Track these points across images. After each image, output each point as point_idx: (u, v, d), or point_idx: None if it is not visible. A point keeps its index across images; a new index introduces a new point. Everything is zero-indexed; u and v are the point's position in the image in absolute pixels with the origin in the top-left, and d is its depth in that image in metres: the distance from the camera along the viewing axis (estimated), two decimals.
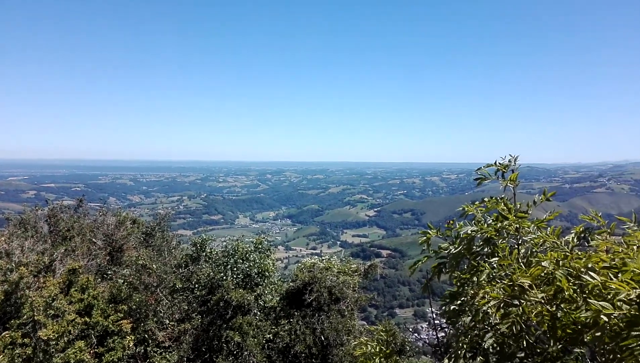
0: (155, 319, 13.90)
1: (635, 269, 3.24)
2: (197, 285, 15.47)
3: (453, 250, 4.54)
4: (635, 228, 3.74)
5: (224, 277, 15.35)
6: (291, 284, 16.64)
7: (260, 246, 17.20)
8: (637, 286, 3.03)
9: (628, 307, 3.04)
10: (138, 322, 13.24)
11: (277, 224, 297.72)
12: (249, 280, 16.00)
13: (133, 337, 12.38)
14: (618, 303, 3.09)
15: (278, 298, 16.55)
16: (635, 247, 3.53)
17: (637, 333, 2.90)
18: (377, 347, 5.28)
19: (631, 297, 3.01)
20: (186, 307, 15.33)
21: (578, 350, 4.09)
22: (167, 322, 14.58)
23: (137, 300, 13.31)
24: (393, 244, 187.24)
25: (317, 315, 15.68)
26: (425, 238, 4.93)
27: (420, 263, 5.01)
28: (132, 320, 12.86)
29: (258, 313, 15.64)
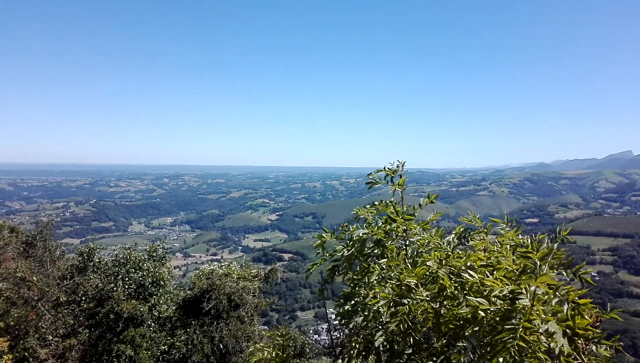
0: (36, 335, 12.80)
1: (507, 267, 3.52)
2: (84, 297, 14.47)
3: (346, 252, 4.66)
4: (508, 228, 4.08)
5: (115, 288, 14.51)
6: (188, 292, 16.11)
7: (154, 254, 16.49)
8: (509, 283, 3.29)
9: (502, 302, 3.29)
10: (17, 339, 12.11)
11: (175, 230, 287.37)
12: (143, 290, 15.27)
13: (11, 356, 11.28)
14: (493, 299, 3.33)
15: (174, 308, 15.95)
16: (508, 246, 3.84)
17: (510, 326, 3.14)
18: (273, 352, 5.26)
19: (504, 293, 3.27)
20: (72, 321, 14.27)
21: (461, 344, 4.35)
22: (51, 337, 13.48)
23: (16, 315, 12.18)
24: (294, 247, 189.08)
25: (215, 322, 15.31)
26: (319, 242, 5.00)
27: (315, 266, 5.07)
28: (10, 337, 11.72)
29: (152, 324, 14.96)
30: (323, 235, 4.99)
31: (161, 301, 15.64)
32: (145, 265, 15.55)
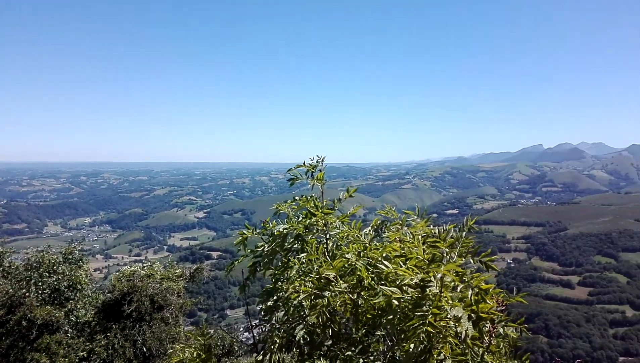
0: None
1: (419, 256, 3.68)
2: None
3: (266, 248, 4.67)
4: (419, 220, 4.26)
5: (27, 294, 13.62)
6: (108, 295, 15.43)
7: (70, 257, 15.62)
8: (419, 272, 3.44)
9: (413, 291, 3.44)
10: None
11: (94, 231, 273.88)
12: (58, 295, 14.44)
13: None
14: (405, 287, 3.47)
15: (93, 312, 15.21)
16: (420, 237, 4.01)
17: (420, 313, 3.29)
18: (195, 353, 5.17)
19: (415, 282, 3.41)
20: None
21: (379, 333, 4.49)
22: None
23: None
24: (223, 245, 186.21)
25: (138, 325, 14.78)
26: (240, 238, 4.97)
27: (236, 263, 5.04)
28: None
29: (69, 330, 14.19)
30: (244, 231, 4.96)
31: (79, 306, 14.88)
32: (60, 268, 14.70)
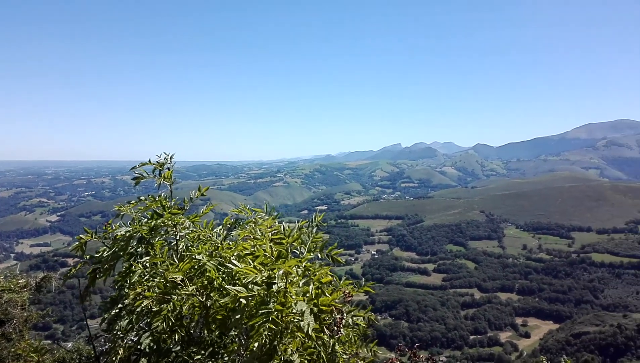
0: None
1: (266, 253, 3.68)
2: None
3: (106, 253, 4.34)
4: (267, 217, 4.27)
5: None
6: None
7: None
8: (264, 269, 3.44)
9: (259, 288, 3.42)
10: None
11: None
12: None
13: None
14: (251, 285, 3.45)
15: None
16: (269, 234, 4.02)
17: (264, 311, 3.28)
18: None
19: (260, 279, 3.40)
20: None
21: (233, 333, 4.41)
22: None
23: None
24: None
25: None
26: (77, 244, 4.56)
27: (73, 270, 4.61)
28: None
29: None
30: (82, 236, 4.56)
31: None
32: None
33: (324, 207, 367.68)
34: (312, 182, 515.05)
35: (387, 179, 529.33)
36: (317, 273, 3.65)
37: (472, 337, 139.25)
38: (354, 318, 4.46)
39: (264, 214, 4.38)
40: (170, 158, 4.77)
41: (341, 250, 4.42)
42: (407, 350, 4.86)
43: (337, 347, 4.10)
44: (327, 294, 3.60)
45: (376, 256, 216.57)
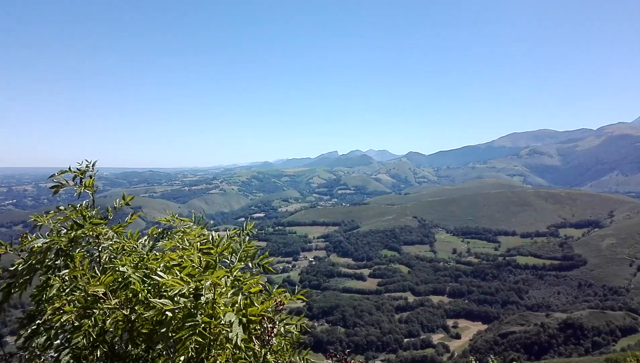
0: None
1: (193, 264, 3.58)
2: None
3: (21, 266, 4.06)
4: (195, 226, 4.16)
5: None
6: None
7: None
8: (192, 281, 3.34)
9: (186, 300, 3.32)
10: None
11: None
12: None
13: None
14: (177, 298, 3.34)
15: None
16: (197, 244, 3.91)
17: (191, 323, 3.19)
18: None
19: (187, 291, 3.31)
20: None
21: (159, 347, 4.25)
22: None
23: None
24: None
25: None
26: None
27: None
28: None
29: None
30: None
31: None
32: None
33: (262, 214, 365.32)
34: (249, 189, 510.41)
35: (325, 186, 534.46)
36: (247, 283, 3.60)
37: (406, 340, 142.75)
38: (287, 327, 4.43)
39: (192, 223, 4.25)
40: (93, 165, 4.54)
41: (272, 259, 4.38)
42: (338, 355, 4.89)
43: (269, 356, 4.05)
44: (256, 304, 3.55)
45: (314, 262, 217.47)
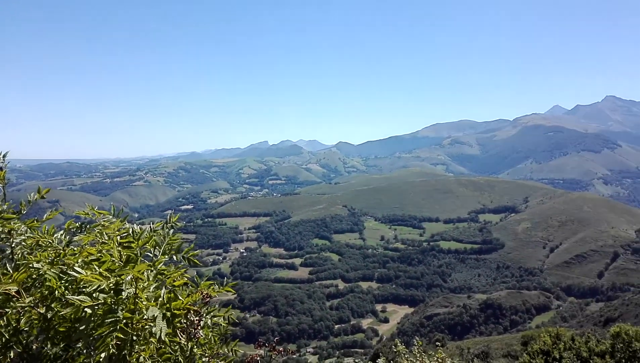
0: None
1: (114, 259, 3.47)
2: None
3: None
4: (114, 219, 4.03)
5: None
6: None
7: None
8: (111, 276, 3.25)
9: (105, 296, 3.22)
10: None
11: None
12: None
13: None
14: (96, 294, 3.23)
15: None
16: (117, 238, 3.79)
17: (111, 319, 3.10)
18: None
19: (106, 287, 3.21)
20: None
21: (79, 345, 4.10)
22: None
23: None
24: None
25: None
26: None
27: None
28: None
29: None
30: None
31: None
32: None
33: (190, 206, 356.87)
34: (176, 180, 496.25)
35: (255, 177, 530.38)
36: (170, 277, 3.55)
37: (337, 326, 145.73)
38: (214, 319, 4.41)
39: (111, 216, 4.10)
40: (4, 157, 4.27)
41: (198, 251, 4.32)
42: (266, 345, 4.94)
43: (195, 349, 4.02)
44: (180, 297, 3.51)
45: (245, 254, 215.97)
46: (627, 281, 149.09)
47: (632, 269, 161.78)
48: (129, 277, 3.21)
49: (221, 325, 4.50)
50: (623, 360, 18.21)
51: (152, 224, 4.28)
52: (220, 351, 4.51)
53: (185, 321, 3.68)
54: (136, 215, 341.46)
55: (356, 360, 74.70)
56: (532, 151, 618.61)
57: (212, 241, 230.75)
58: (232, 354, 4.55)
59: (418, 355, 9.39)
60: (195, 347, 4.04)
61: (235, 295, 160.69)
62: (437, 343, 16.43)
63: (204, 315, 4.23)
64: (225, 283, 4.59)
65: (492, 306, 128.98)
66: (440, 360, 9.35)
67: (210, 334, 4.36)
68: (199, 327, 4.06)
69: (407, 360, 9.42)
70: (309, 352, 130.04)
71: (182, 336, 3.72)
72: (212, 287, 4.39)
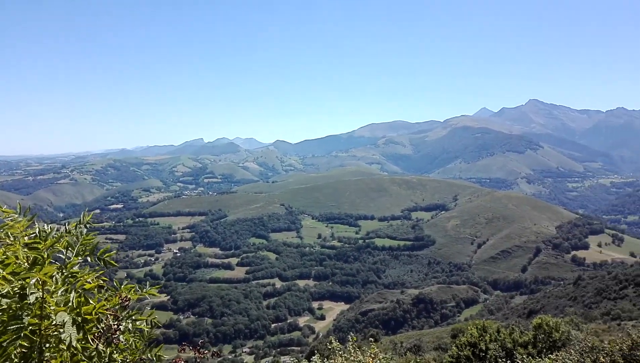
0: None
1: (20, 261, 3.22)
2: None
3: None
4: (20, 218, 3.74)
5: None
6: None
7: None
8: (15, 279, 3.01)
9: (9, 301, 2.98)
10: None
11: None
12: None
13: None
14: None
15: None
16: (23, 238, 3.51)
17: (15, 326, 2.87)
18: None
19: (7, 291, 2.97)
20: None
21: None
22: None
23: None
24: None
25: None
26: None
27: None
28: None
29: None
30: None
31: None
32: None
33: (120, 205, 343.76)
34: (104, 179, 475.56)
35: (190, 175, 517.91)
36: (81, 280, 3.33)
37: (273, 325, 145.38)
38: (137, 323, 4.20)
39: (16, 215, 3.79)
40: None
41: (113, 252, 4.10)
42: (191, 348, 4.77)
43: (115, 355, 3.82)
44: (91, 301, 3.31)
45: (179, 254, 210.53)
46: (548, 275, 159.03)
47: (552, 263, 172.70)
48: (34, 280, 2.98)
49: (144, 329, 4.31)
50: (544, 350, 19.40)
51: (68, 224, 4.02)
52: (143, 357, 4.31)
53: (102, 326, 3.47)
54: (61, 215, 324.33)
55: (292, 359, 74.78)
56: (461, 151, 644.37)
57: (143, 241, 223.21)
58: (155, 359, 4.36)
59: (352, 351, 9.48)
60: (114, 352, 3.84)
61: (168, 297, 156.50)
62: (371, 338, 16.77)
63: (124, 319, 4.03)
64: (148, 285, 4.41)
65: (424, 300, 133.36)
66: (373, 356, 9.49)
67: (131, 339, 4.16)
68: (118, 332, 3.86)
69: (342, 356, 9.49)
70: (245, 352, 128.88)
71: (98, 342, 3.50)
72: (132, 290, 4.20)
